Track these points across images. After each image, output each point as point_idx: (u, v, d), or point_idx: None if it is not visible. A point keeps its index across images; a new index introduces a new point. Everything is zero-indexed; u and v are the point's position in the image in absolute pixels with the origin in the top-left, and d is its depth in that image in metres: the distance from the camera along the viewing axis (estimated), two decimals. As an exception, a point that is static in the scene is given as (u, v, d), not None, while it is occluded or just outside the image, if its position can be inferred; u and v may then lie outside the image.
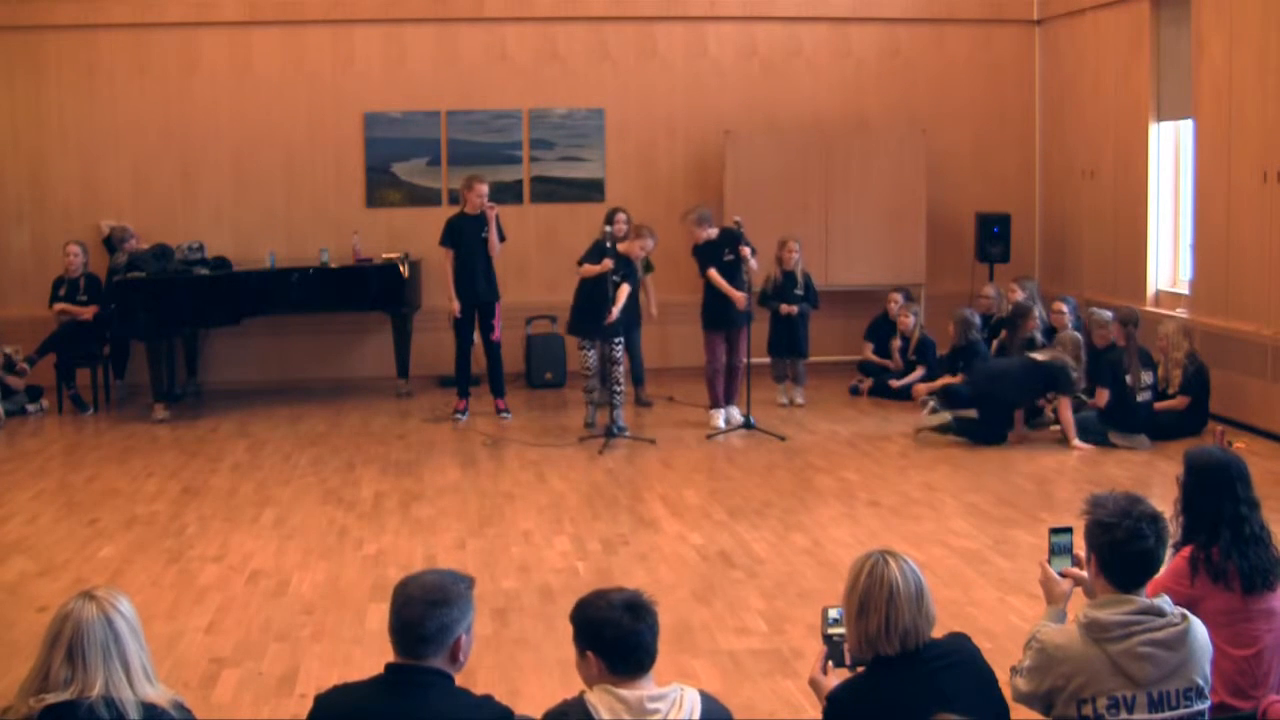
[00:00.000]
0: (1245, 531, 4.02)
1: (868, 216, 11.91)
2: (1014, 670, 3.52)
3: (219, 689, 5.11)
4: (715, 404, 10.09)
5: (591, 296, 9.52)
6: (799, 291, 10.62)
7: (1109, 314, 9.51)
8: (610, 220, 10.06)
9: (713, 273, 9.90)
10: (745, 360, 9.90)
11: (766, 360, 10.85)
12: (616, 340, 9.62)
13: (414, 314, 11.49)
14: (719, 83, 12.30)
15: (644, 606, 3.13)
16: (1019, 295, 10.40)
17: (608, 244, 9.47)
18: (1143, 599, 3.41)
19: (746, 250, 9.61)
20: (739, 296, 9.76)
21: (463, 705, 3.12)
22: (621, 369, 9.67)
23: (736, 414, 10.00)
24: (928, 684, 3.19)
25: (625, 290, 9.46)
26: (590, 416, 9.90)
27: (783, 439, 9.48)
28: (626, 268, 9.53)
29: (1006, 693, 3.41)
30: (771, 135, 12.12)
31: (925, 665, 3.23)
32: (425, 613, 3.09)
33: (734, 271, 9.83)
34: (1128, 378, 9.08)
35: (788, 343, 10.70)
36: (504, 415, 10.37)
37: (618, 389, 9.61)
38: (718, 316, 9.99)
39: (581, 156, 12.23)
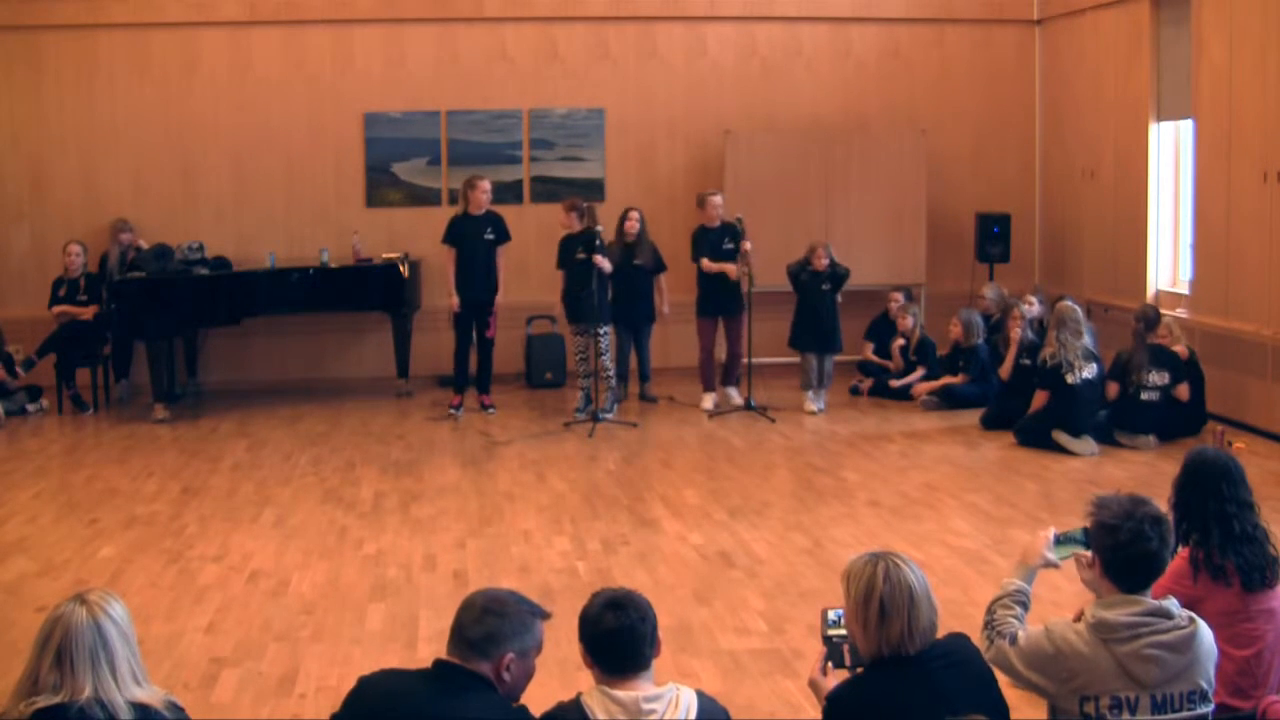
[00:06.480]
0: (1235, 529, 4.04)
1: (868, 216, 11.90)
2: (1000, 635, 3.49)
3: (219, 689, 5.11)
4: (707, 387, 10.64)
5: (570, 287, 10.29)
6: (826, 287, 10.33)
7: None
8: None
9: (705, 261, 10.41)
10: (745, 347, 10.37)
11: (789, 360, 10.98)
12: (603, 330, 10.12)
13: (414, 314, 11.48)
14: (719, 83, 12.29)
15: (628, 605, 3.13)
16: (1036, 309, 10.34)
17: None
18: (1150, 600, 3.41)
19: (747, 245, 10.14)
20: (730, 268, 10.29)
21: (499, 712, 3.13)
22: (607, 358, 10.16)
23: (736, 395, 10.58)
24: (928, 684, 3.18)
25: (600, 260, 9.94)
26: (581, 402, 10.33)
27: (773, 420, 10.03)
28: (586, 242, 10.07)
29: (1008, 693, 3.40)
30: (771, 135, 12.12)
31: (925, 665, 3.22)
32: (477, 617, 3.16)
33: (729, 261, 10.38)
34: (1134, 376, 9.08)
35: (816, 336, 10.35)
36: (489, 410, 10.47)
37: (604, 376, 10.10)
38: (710, 304, 10.53)
39: (581, 156, 12.22)
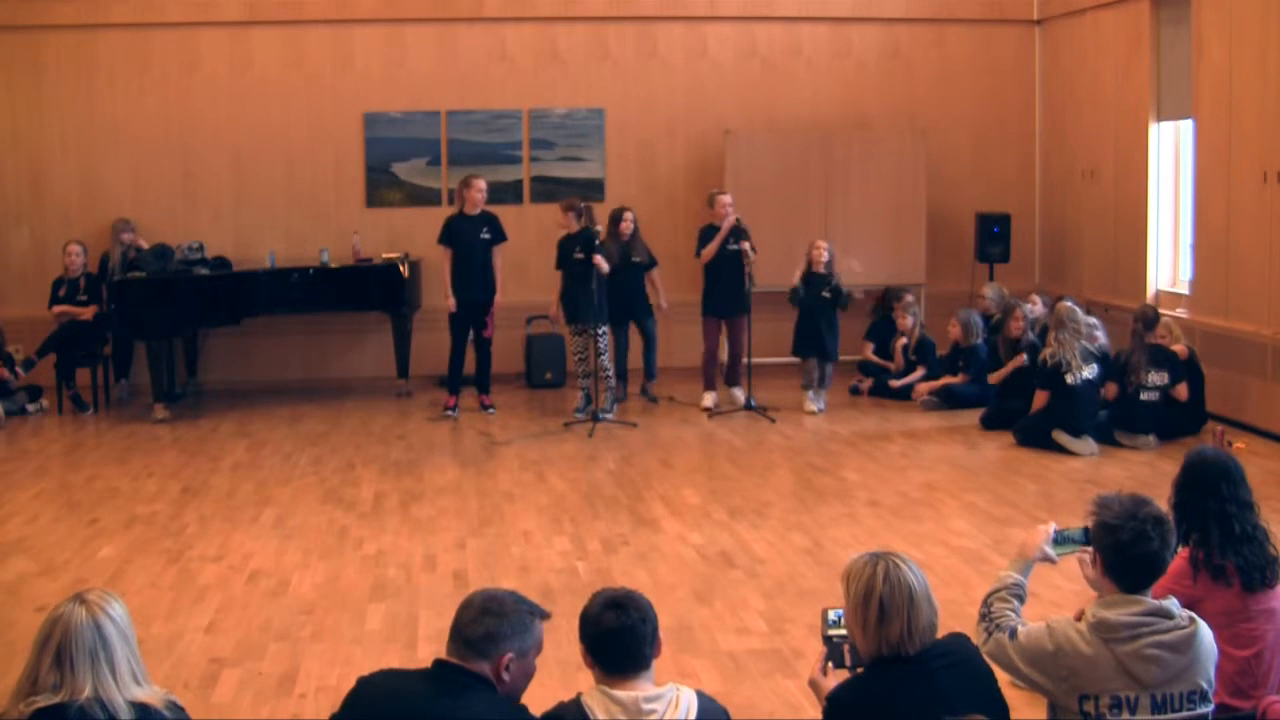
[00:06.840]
0: (1235, 530, 4.04)
1: (868, 216, 11.90)
2: (998, 629, 3.50)
3: (219, 689, 5.11)
4: (708, 386, 10.67)
5: (568, 287, 10.33)
6: (826, 294, 10.33)
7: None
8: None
9: (704, 251, 10.48)
10: (746, 349, 10.37)
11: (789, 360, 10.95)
12: (601, 330, 10.15)
13: (414, 314, 11.49)
14: (719, 83, 12.29)
15: (628, 605, 3.13)
16: (1039, 309, 10.32)
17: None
18: (1150, 600, 3.41)
19: (747, 245, 10.14)
20: (728, 223, 10.34)
21: (499, 711, 3.13)
22: (606, 358, 10.18)
23: (739, 395, 10.55)
24: (927, 684, 3.18)
25: (599, 260, 9.96)
26: (581, 402, 10.38)
27: (773, 420, 10.03)
28: (584, 242, 10.07)
29: (1008, 692, 3.40)
30: (771, 135, 12.12)
31: (925, 665, 3.22)
32: (475, 617, 3.17)
33: (735, 263, 10.29)
34: (1132, 376, 9.08)
35: (817, 346, 10.40)
36: (489, 410, 10.47)
37: (602, 376, 10.11)
38: (716, 303, 10.57)
39: (581, 156, 12.22)
